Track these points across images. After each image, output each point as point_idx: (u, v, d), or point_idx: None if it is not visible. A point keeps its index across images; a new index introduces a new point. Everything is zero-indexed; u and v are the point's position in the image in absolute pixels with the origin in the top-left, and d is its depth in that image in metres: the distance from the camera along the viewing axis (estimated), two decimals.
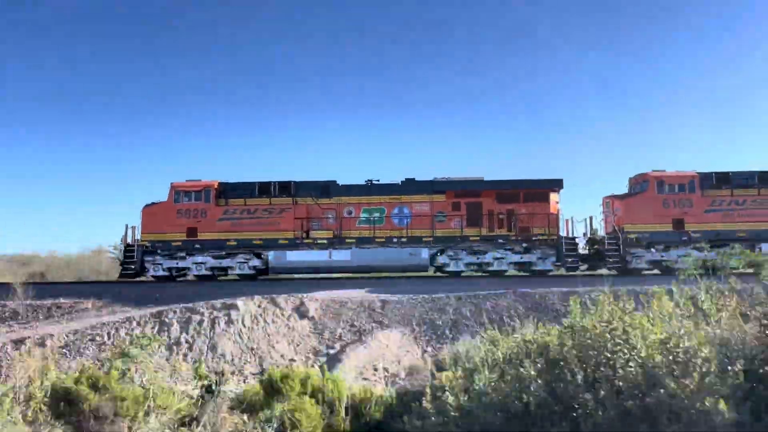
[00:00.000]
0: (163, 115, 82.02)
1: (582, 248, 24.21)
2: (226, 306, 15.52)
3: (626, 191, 24.97)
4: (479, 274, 23.46)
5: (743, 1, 74.32)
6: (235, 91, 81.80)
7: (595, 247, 24.03)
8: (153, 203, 24.29)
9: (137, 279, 23.68)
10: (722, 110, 79.68)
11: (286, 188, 23.95)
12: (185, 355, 13.89)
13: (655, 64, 78.21)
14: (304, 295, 16.75)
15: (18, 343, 13.52)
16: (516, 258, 23.33)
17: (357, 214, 23.96)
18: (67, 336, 14.32)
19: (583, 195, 61.18)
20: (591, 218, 24.74)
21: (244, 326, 14.90)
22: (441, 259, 23.42)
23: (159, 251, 23.62)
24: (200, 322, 14.94)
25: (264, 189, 23.92)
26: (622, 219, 23.26)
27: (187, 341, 14.40)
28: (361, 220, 23.87)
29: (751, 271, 22.50)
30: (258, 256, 23.44)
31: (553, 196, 24.00)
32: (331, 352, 14.11)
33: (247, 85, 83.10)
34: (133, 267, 23.38)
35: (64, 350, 13.82)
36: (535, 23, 78.08)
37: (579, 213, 50.16)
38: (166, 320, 15.07)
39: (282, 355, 14.05)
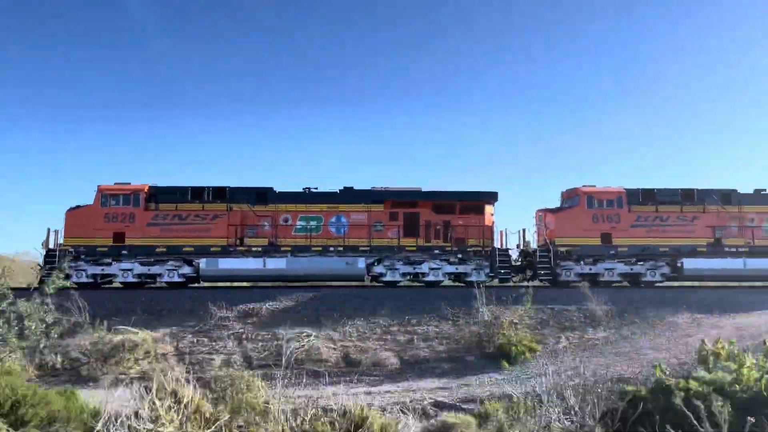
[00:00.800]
0: (93, 117, 78.68)
1: (515, 260, 24.71)
2: None
3: (559, 205, 25.66)
4: (415, 284, 23.57)
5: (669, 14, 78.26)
6: (166, 93, 79.41)
7: (528, 259, 24.55)
8: (78, 206, 23.21)
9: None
10: (654, 126, 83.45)
11: (220, 194, 23.34)
12: None
13: (589, 79, 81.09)
14: None
15: None
16: (451, 269, 23.54)
17: (294, 222, 23.60)
18: None
19: (518, 207, 62.72)
20: (524, 231, 25.32)
21: None
22: (377, 269, 23.36)
23: (83, 257, 22.56)
24: None
25: (197, 194, 23.24)
26: (553, 232, 23.86)
27: None
28: (298, 228, 23.53)
29: (675, 284, 23.73)
30: (189, 263, 22.72)
31: (488, 209, 24.39)
32: None
33: (182, 87, 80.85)
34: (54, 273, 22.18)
35: None
36: (470, 36, 79.66)
37: (513, 225, 51.60)
38: None
39: None
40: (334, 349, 16.16)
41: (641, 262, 23.67)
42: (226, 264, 22.56)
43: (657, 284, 23.63)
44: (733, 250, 23.78)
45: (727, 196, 24.45)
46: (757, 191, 24.92)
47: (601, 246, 23.57)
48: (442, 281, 23.63)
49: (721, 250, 23.77)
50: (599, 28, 79.64)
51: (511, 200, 73.56)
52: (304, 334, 16.53)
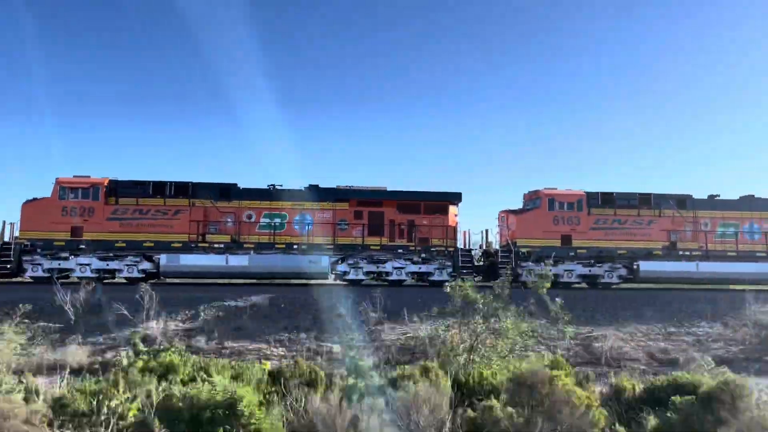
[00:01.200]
0: (58, 108, 76.67)
1: (477, 260, 25.05)
2: None
3: (521, 206, 26.08)
4: (378, 283, 23.68)
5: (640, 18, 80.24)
6: (131, 88, 77.83)
7: (490, 259, 24.91)
8: (35, 199, 22.68)
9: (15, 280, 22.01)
10: (615, 129, 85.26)
11: (182, 189, 23.07)
12: None
13: (554, 82, 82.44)
14: None
15: None
16: (414, 268, 23.74)
17: (257, 219, 23.48)
18: None
19: (481, 208, 63.33)
20: (487, 231, 25.73)
21: None
22: (341, 268, 23.41)
23: (39, 250, 22.05)
24: None
25: (159, 189, 22.93)
26: (515, 233, 24.27)
27: None
28: (262, 225, 23.42)
29: (630, 286, 24.35)
30: (149, 259, 22.41)
31: (452, 209, 24.67)
32: None
33: (145, 83, 79.31)
34: (9, 267, 21.70)
35: None
36: (439, 34, 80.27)
37: (476, 226, 51.82)
38: None
39: None
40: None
41: (599, 264, 24.24)
42: (188, 260, 22.32)
43: (613, 286, 24.24)
44: (687, 253, 24.54)
45: (683, 201, 25.21)
46: (711, 197, 25.77)
47: (561, 247, 24.05)
48: (405, 280, 23.81)
49: (676, 253, 24.51)
50: (597, 29, 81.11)
51: (475, 201, 74.24)
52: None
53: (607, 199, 24.81)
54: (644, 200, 25.00)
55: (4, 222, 22.71)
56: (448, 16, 79.82)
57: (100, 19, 75.92)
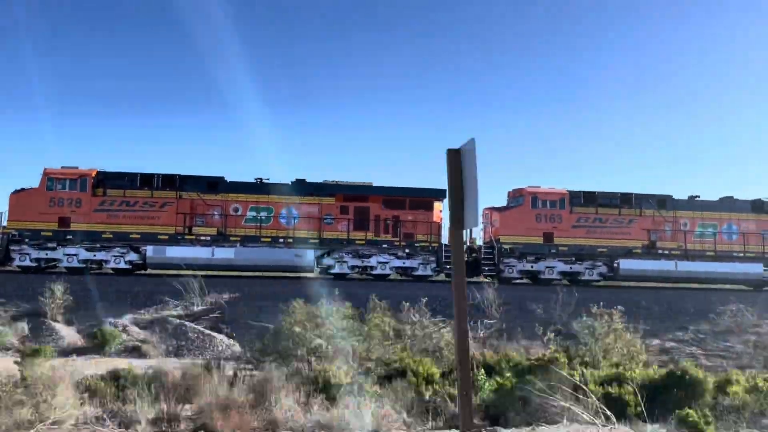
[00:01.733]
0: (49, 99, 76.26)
1: None
2: None
3: (506, 204, 26.48)
4: (363, 277, 24.04)
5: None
6: (122, 81, 77.49)
7: (473, 255, 25.29)
8: (23, 189, 22.88)
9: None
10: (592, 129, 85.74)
11: (170, 181, 23.30)
12: None
13: (540, 79, 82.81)
14: None
15: None
16: (399, 263, 24.11)
17: (244, 213, 23.75)
18: None
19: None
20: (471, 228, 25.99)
21: None
22: (326, 261, 23.75)
23: (27, 240, 22.25)
24: None
25: (146, 181, 23.15)
26: (498, 230, 24.67)
27: None
28: (248, 219, 23.70)
29: (608, 283, 24.82)
30: (136, 250, 22.65)
31: (437, 205, 25.00)
32: None
33: (135, 75, 79.04)
34: None
35: None
36: (432, 29, 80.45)
37: None
38: None
39: None
40: None
41: (580, 262, 24.71)
42: (174, 252, 22.57)
43: (594, 283, 24.71)
44: (667, 252, 25.04)
45: (663, 202, 25.68)
46: (691, 197, 26.26)
47: (542, 245, 24.48)
48: (390, 275, 24.17)
49: (656, 252, 25.00)
50: (596, 30, 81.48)
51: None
52: None
53: (589, 198, 25.25)
54: (625, 200, 25.44)
55: None
56: (443, 15, 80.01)
57: (90, 13, 75.59)
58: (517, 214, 24.79)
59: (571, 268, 24.64)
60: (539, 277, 24.51)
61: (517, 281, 24.66)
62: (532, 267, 24.48)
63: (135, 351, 14.22)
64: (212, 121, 78.64)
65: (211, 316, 16.83)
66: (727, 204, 26.17)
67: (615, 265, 24.60)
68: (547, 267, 24.47)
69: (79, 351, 14.10)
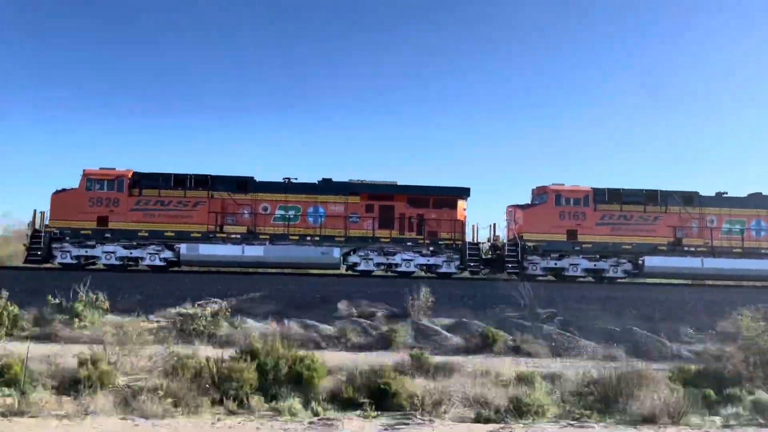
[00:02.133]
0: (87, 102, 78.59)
1: (485, 253, 25.77)
2: None
3: (529, 201, 26.67)
4: (388, 274, 24.55)
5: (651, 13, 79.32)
6: (154, 82, 79.36)
7: (497, 252, 25.59)
8: (63, 189, 23.95)
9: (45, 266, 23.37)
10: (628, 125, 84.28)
11: (202, 181, 24.16)
12: None
13: (563, 75, 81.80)
14: None
15: None
16: (423, 260, 24.55)
17: (273, 211, 24.48)
18: None
19: (491, 202, 63.51)
20: (494, 225, 26.33)
21: None
22: (352, 259, 24.33)
23: (68, 239, 23.35)
24: None
25: (179, 181, 24.04)
26: (522, 228, 24.88)
27: None
28: (277, 217, 24.42)
29: (636, 281, 24.83)
30: (170, 248, 23.57)
31: (461, 203, 25.37)
32: None
33: (167, 76, 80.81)
34: (39, 253, 23.04)
35: None
36: (444, 29, 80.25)
37: (485, 219, 51.97)
38: None
39: None
40: None
41: (604, 259, 24.78)
42: (206, 250, 23.43)
43: (619, 280, 24.76)
44: (693, 249, 24.93)
45: (689, 198, 25.56)
46: (719, 194, 26.06)
47: (566, 242, 24.62)
48: (414, 272, 24.62)
49: (681, 249, 24.91)
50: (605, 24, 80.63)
51: (485, 196, 74.63)
52: None
53: (614, 195, 25.28)
54: (651, 197, 25.40)
55: (35, 211, 24.14)
56: (452, 12, 79.94)
57: (121, 13, 77.62)
58: (541, 212, 24.98)
59: (595, 265, 24.74)
60: (563, 274, 24.68)
61: (540, 278, 24.85)
62: (555, 264, 24.66)
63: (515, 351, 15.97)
64: (242, 122, 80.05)
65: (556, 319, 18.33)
66: (756, 200, 25.90)
67: (640, 262, 24.61)
68: (571, 264, 24.62)
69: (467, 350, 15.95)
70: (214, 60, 79.22)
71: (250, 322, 16.79)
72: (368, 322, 17.30)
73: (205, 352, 13.16)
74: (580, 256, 24.69)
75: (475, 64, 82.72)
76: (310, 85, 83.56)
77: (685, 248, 24.94)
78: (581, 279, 24.88)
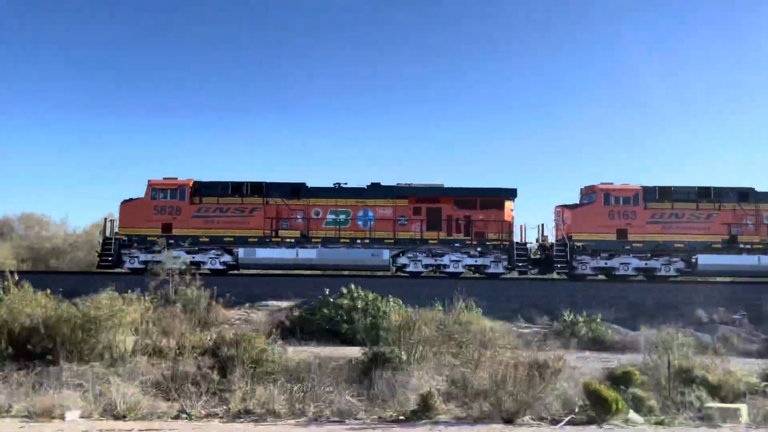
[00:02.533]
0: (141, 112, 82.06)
1: (533, 253, 25.98)
2: None
3: (578, 201, 26.67)
4: (437, 274, 25.12)
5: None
6: (209, 90, 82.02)
7: (546, 252, 25.75)
8: (131, 199, 25.63)
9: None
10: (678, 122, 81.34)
11: (257, 189, 25.38)
12: None
13: (612, 73, 79.58)
14: None
15: None
16: (471, 261, 24.99)
17: (324, 216, 25.46)
18: None
19: (540, 202, 62.81)
20: (542, 225, 26.47)
21: None
22: (401, 260, 25.03)
23: (136, 245, 25.00)
24: None
25: (236, 189, 25.35)
26: (570, 228, 24.95)
27: None
28: (328, 221, 25.39)
29: (686, 279, 24.53)
30: (229, 252, 24.90)
31: (508, 204, 25.66)
32: None
33: (222, 85, 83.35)
34: (110, 259, 24.78)
35: None
36: (492, 30, 79.50)
37: (534, 219, 51.32)
38: None
39: None
40: None
41: (656, 258, 24.57)
42: (263, 253, 24.66)
43: (671, 279, 24.51)
44: (749, 246, 24.40)
45: (744, 195, 25.01)
46: None
47: (616, 241, 24.55)
48: (462, 273, 25.09)
49: (737, 246, 24.42)
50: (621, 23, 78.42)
51: (533, 195, 73.69)
52: None
53: (664, 193, 25.02)
54: (703, 194, 25.00)
55: (105, 219, 25.99)
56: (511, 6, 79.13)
57: (191, 18, 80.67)
58: (589, 211, 24.99)
59: (646, 264, 24.56)
60: (613, 273, 24.62)
61: (590, 278, 24.87)
62: (606, 264, 24.62)
63: None
64: (293, 130, 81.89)
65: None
66: None
67: (693, 260, 24.27)
68: (621, 263, 24.53)
69: None
70: (214, 60, 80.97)
71: None
72: None
73: None
74: (631, 255, 24.57)
75: (521, 65, 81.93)
76: (366, 96, 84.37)
77: (741, 245, 24.43)
78: (632, 278, 24.76)
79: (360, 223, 25.39)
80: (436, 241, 25.04)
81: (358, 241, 24.96)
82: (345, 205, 25.51)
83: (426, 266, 25.07)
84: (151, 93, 79.28)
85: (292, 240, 24.93)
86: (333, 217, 25.41)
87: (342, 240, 24.96)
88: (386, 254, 24.70)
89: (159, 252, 24.89)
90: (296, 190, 25.64)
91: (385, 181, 25.95)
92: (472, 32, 79.50)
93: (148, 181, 25.64)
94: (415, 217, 25.34)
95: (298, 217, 25.38)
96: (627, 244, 24.56)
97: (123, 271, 25.21)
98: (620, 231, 24.69)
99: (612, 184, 25.40)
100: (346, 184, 25.99)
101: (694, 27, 77.63)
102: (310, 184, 25.91)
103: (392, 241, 24.96)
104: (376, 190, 25.69)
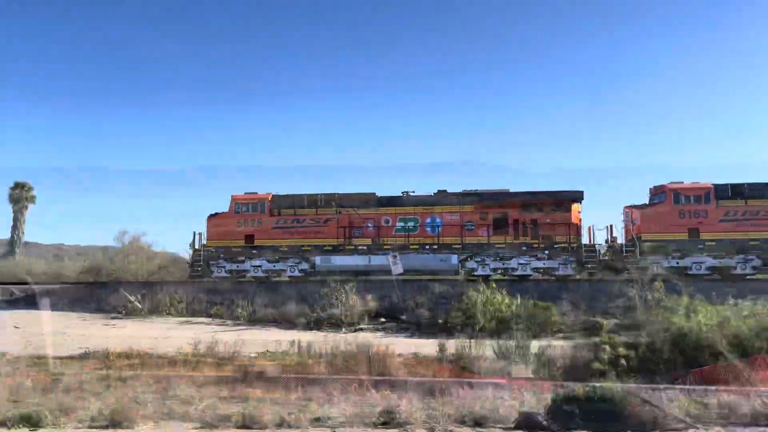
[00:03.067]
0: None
1: (602, 255, 26.08)
2: None
3: (647, 201, 26.54)
4: (505, 278, 25.71)
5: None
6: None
7: (615, 254, 25.78)
8: (216, 213, 27.83)
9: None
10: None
11: (331, 200, 26.98)
12: None
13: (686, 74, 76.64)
14: None
15: None
16: (539, 264, 25.44)
17: (393, 223, 26.69)
18: None
19: (610, 203, 61.44)
20: (611, 226, 26.51)
21: None
22: (469, 265, 25.82)
23: (222, 255, 27.11)
24: None
25: (312, 201, 27.06)
26: (639, 228, 24.93)
27: None
28: (398, 229, 26.60)
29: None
30: (306, 260, 26.57)
31: (575, 207, 25.95)
32: None
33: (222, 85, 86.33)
34: (200, 269, 27.01)
35: None
36: (564, 32, 78.28)
37: (604, 221, 49.88)
38: None
39: None
40: None
41: (730, 256, 24.14)
42: (338, 260, 26.18)
43: (748, 276, 24.00)
44: None
45: None
46: None
47: (687, 240, 24.32)
48: (531, 276, 25.57)
49: None
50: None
51: (602, 197, 72.16)
52: None
53: (737, 191, 24.56)
54: None
55: (194, 233, 28.31)
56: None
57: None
58: (659, 211, 24.88)
59: (720, 262, 24.18)
60: (686, 273, 24.35)
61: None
62: (678, 263, 24.43)
63: None
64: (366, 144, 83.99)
65: None
66: None
67: None
68: (694, 263, 24.28)
69: None
70: (213, 59, 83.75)
71: None
72: None
73: None
74: (704, 254, 24.27)
75: (586, 70, 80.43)
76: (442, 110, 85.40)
77: None
78: (707, 277, 24.40)
79: (428, 229, 26.42)
80: (503, 245, 25.68)
81: (427, 246, 25.99)
82: (413, 213, 26.64)
83: (494, 270, 25.73)
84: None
85: (365, 247, 26.29)
86: (402, 224, 26.58)
87: (411, 246, 26.06)
88: (455, 259, 25.59)
89: (243, 261, 27.03)
90: (366, 200, 27.02)
91: (452, 189, 26.91)
92: (430, 31, 78.83)
93: (231, 196, 27.77)
94: (482, 222, 26.09)
95: (369, 225, 26.72)
96: (699, 242, 24.28)
97: (212, 279, 27.33)
98: (692, 230, 24.45)
99: (682, 182, 25.20)
100: (413, 192, 27.13)
101: None
102: (379, 194, 27.16)
103: (460, 246, 25.81)
104: (442, 197, 26.66)
